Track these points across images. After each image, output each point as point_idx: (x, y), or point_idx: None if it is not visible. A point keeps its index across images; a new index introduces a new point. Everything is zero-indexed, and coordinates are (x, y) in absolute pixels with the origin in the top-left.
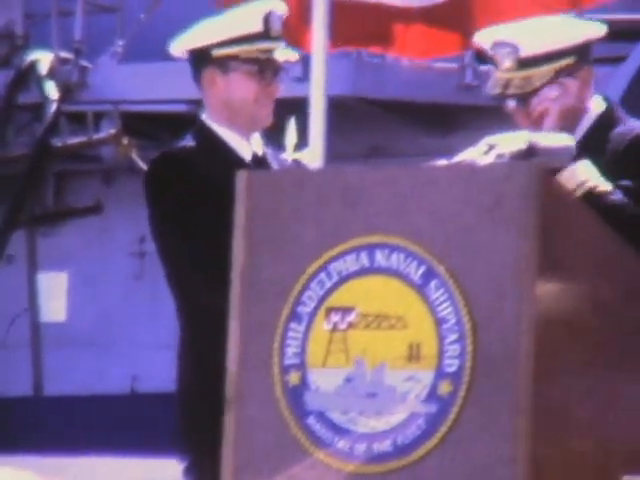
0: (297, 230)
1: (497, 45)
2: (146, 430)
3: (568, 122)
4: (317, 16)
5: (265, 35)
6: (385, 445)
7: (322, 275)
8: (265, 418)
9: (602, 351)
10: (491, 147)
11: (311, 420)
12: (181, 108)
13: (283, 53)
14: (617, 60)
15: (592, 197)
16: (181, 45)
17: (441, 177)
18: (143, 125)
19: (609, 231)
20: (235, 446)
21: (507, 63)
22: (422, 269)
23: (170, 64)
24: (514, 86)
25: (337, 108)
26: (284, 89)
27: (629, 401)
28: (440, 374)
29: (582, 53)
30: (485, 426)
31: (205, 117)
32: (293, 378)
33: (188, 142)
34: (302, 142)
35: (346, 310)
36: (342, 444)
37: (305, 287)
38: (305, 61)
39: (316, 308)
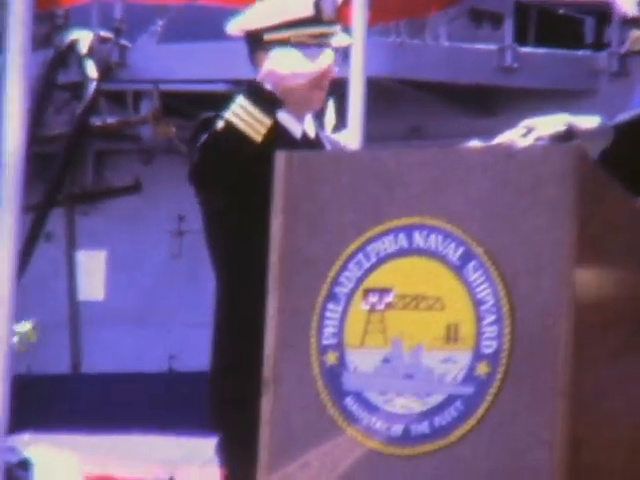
0: (335, 211)
1: None
2: (184, 409)
3: None
4: (356, 0)
5: (316, 20)
6: (422, 427)
7: (360, 256)
8: (302, 398)
9: (637, 338)
10: (530, 130)
11: (348, 400)
12: (220, 87)
13: (337, 38)
14: None
15: None
16: (236, 26)
17: (479, 159)
18: (182, 105)
19: None
20: (272, 426)
21: None
22: (460, 250)
23: (209, 44)
24: None
25: (376, 89)
26: None
27: None
28: (478, 355)
29: None
30: (522, 408)
31: None
32: (330, 358)
33: None
34: (341, 123)
35: (384, 291)
36: (380, 425)
37: (343, 268)
38: None
39: (354, 289)
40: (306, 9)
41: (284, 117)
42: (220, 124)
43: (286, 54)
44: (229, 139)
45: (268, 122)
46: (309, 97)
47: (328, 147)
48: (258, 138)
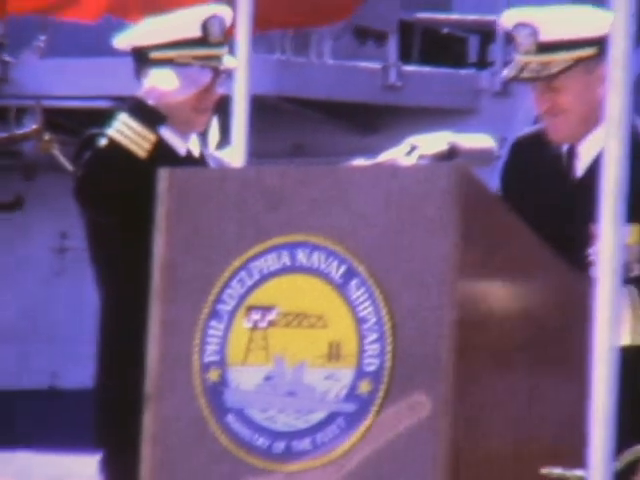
0: (218, 229)
1: (518, 26)
2: (65, 426)
3: (587, 122)
4: (240, 17)
5: (203, 41)
6: (304, 443)
7: (243, 273)
8: (184, 415)
9: (523, 352)
10: (413, 148)
11: (230, 418)
12: (104, 104)
13: (224, 60)
14: None
15: None
16: (124, 41)
17: (363, 177)
18: (65, 121)
19: (534, 235)
20: (154, 443)
21: (526, 46)
22: (343, 268)
23: (93, 60)
24: (529, 70)
25: (260, 106)
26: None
27: (549, 401)
28: (360, 373)
29: (604, 47)
30: (404, 426)
31: None
32: (212, 375)
33: None
34: (224, 140)
35: (267, 309)
36: (261, 442)
37: (226, 285)
38: None
39: (237, 306)
40: (193, 30)
41: (168, 135)
42: (103, 141)
43: (166, 73)
44: (113, 156)
45: (152, 137)
46: (191, 119)
47: (212, 165)
48: (142, 154)
